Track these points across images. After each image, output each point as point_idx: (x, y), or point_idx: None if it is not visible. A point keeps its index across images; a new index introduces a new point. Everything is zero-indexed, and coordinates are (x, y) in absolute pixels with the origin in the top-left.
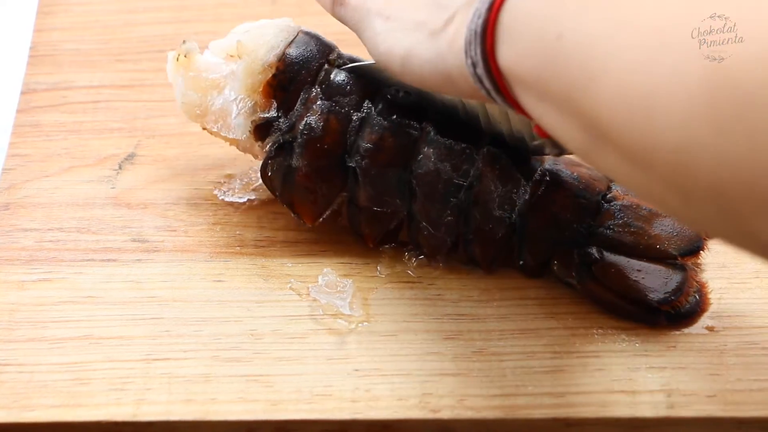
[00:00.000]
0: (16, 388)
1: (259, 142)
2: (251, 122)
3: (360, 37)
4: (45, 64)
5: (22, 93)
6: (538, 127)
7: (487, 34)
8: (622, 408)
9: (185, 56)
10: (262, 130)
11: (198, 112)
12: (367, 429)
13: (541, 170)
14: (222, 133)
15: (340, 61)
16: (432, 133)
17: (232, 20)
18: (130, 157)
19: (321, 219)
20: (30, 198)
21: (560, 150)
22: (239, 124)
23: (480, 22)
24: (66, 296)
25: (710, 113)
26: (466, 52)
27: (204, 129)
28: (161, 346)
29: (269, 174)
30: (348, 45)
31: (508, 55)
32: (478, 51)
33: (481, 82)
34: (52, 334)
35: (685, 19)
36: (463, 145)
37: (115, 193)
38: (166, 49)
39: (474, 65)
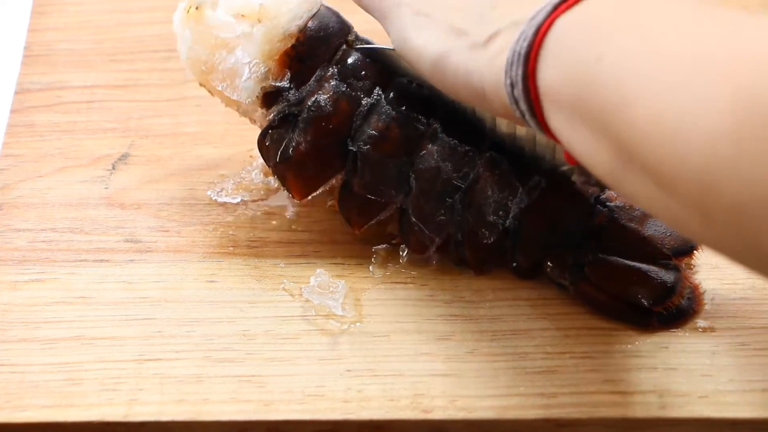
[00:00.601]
0: (8, 388)
1: (263, 110)
2: (261, 88)
3: (384, 24)
4: (39, 64)
5: (16, 93)
6: (568, 154)
7: (530, 56)
8: (615, 408)
9: (196, 8)
10: (269, 98)
11: (203, 68)
12: (359, 429)
13: (537, 177)
14: (226, 93)
15: (358, 43)
16: (439, 131)
17: None
18: (123, 158)
19: (310, 197)
20: (23, 198)
21: (587, 177)
22: (248, 87)
23: (525, 44)
24: (58, 297)
25: (735, 134)
26: (506, 72)
27: (202, 86)
28: (153, 347)
29: (267, 143)
30: None
31: (548, 77)
32: (519, 72)
33: (516, 103)
34: (44, 334)
35: (716, 43)
36: (466, 148)
37: (108, 193)
38: (161, 49)
39: (512, 86)
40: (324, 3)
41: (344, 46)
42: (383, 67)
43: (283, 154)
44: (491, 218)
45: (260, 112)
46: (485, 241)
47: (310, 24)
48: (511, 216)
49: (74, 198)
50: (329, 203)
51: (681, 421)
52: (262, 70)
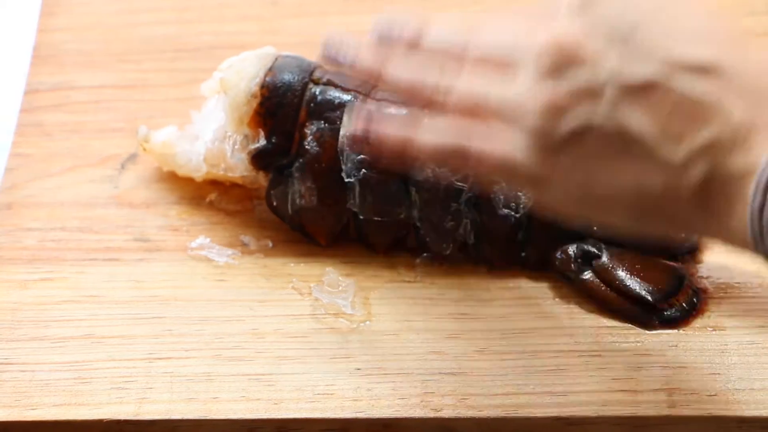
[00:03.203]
0: (18, 387)
1: (261, 173)
2: (247, 154)
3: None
4: (48, 65)
5: (25, 93)
6: None
7: None
8: (624, 407)
9: (146, 142)
10: (257, 160)
11: (203, 171)
12: (368, 428)
13: None
14: (229, 176)
15: (325, 78)
16: None
17: (234, 21)
18: (132, 157)
19: (333, 236)
20: (33, 197)
21: None
22: (238, 160)
23: None
24: (68, 295)
25: None
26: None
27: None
28: (163, 345)
29: (275, 203)
30: None
31: None
32: None
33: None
34: (54, 333)
35: None
36: None
37: (117, 192)
38: (168, 50)
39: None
40: (282, 53)
41: (310, 85)
42: (354, 93)
43: (293, 208)
44: (503, 211)
45: (261, 175)
46: (502, 234)
47: (267, 78)
48: (521, 207)
49: (83, 197)
50: (351, 235)
51: (690, 419)
52: (239, 138)
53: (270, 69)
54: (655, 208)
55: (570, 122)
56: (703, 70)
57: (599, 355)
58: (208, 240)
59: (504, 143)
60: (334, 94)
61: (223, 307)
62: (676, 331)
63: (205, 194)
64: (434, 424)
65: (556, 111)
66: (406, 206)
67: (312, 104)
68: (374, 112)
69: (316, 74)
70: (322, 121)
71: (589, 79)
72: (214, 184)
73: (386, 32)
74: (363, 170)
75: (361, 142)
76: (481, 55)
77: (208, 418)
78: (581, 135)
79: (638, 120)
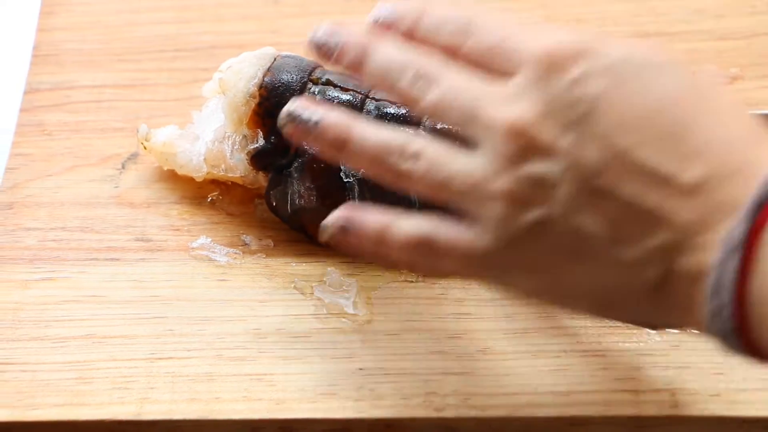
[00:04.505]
0: (19, 386)
1: (261, 173)
2: (246, 154)
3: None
4: (48, 64)
5: (25, 93)
6: None
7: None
8: (626, 407)
9: (146, 140)
10: (257, 161)
11: (204, 172)
12: (370, 428)
13: None
14: (229, 175)
15: (324, 78)
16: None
17: (234, 20)
18: (133, 157)
19: None
20: (33, 197)
21: None
22: (238, 160)
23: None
24: (69, 295)
25: None
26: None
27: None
28: (165, 345)
29: (274, 204)
30: None
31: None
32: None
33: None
34: (55, 333)
35: None
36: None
37: (118, 192)
38: (168, 49)
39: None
40: (281, 53)
41: (309, 85)
42: (354, 93)
43: (292, 208)
44: None
45: (261, 175)
46: None
47: (266, 79)
48: None
49: (84, 197)
50: None
51: (693, 419)
52: (238, 139)
53: (268, 69)
54: (617, 303)
55: (529, 215)
56: (649, 172)
57: (602, 355)
58: (209, 240)
59: (468, 233)
60: (333, 94)
61: (225, 306)
62: (678, 331)
63: (206, 194)
64: (437, 424)
65: (515, 201)
66: (405, 206)
67: None
68: (350, 215)
69: (315, 74)
70: None
71: (546, 172)
72: (215, 183)
73: (381, 18)
74: (361, 173)
75: (339, 238)
76: (441, 111)
77: (209, 418)
78: (538, 228)
79: (590, 220)
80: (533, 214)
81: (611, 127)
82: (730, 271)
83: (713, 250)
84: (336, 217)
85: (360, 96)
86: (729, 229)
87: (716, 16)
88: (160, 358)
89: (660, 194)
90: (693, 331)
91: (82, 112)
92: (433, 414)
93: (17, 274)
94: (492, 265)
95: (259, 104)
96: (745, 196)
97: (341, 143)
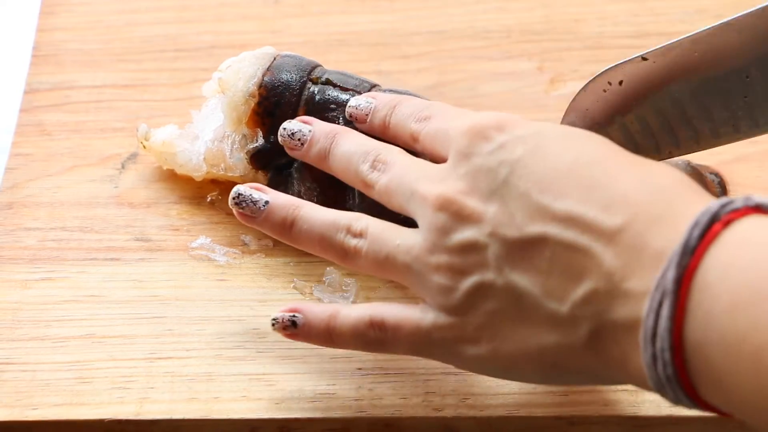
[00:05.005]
0: (19, 386)
1: (261, 172)
2: (246, 154)
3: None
4: (48, 64)
5: (25, 92)
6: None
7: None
8: (625, 406)
9: (146, 140)
10: (256, 160)
11: (203, 171)
12: (369, 428)
13: None
14: (229, 176)
15: (324, 78)
16: None
17: (234, 20)
18: (132, 157)
19: None
20: (33, 197)
21: None
22: (238, 160)
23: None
24: (69, 295)
25: None
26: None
27: (214, 180)
28: (164, 345)
29: None
30: (350, 45)
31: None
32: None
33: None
34: (55, 332)
35: None
36: None
37: (117, 192)
38: (168, 49)
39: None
40: (281, 53)
41: (309, 84)
42: (353, 94)
43: None
44: None
45: (261, 175)
46: None
47: (265, 78)
48: None
49: (84, 197)
50: None
51: (691, 419)
52: (238, 138)
53: (268, 69)
54: (559, 363)
55: (467, 282)
56: (567, 217)
57: None
58: (209, 240)
59: (413, 311)
60: (333, 93)
61: (224, 306)
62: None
63: (205, 194)
64: (436, 424)
65: (453, 270)
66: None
67: (310, 103)
68: (296, 307)
69: (315, 73)
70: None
71: (474, 239)
72: (215, 183)
73: (360, 106)
74: None
75: (288, 333)
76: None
77: (209, 417)
78: (478, 293)
79: (521, 276)
80: (470, 280)
81: (531, 186)
82: (664, 317)
83: (644, 298)
84: (282, 312)
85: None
86: (659, 275)
87: (716, 16)
88: (159, 358)
89: (583, 241)
90: (633, 387)
91: (81, 112)
92: (432, 413)
93: (17, 274)
94: (439, 341)
95: (258, 103)
96: (673, 241)
97: (288, 225)
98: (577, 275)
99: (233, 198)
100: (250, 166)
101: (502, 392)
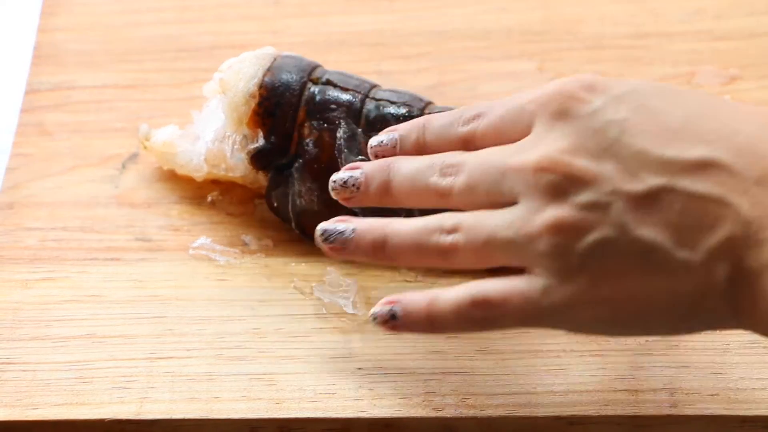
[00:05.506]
0: (19, 386)
1: (261, 173)
2: (246, 155)
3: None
4: (48, 64)
5: (26, 93)
6: None
7: None
8: (625, 406)
9: (147, 140)
10: (256, 160)
11: (204, 171)
12: (369, 428)
13: None
14: (230, 176)
15: (324, 78)
16: None
17: (235, 20)
18: (133, 157)
19: None
20: (33, 197)
21: None
22: (239, 160)
23: None
24: (69, 295)
25: None
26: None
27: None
28: (164, 345)
29: (275, 204)
30: (350, 46)
31: None
32: None
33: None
34: (55, 332)
35: None
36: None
37: (118, 192)
38: (169, 49)
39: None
40: (282, 53)
41: (309, 85)
42: (353, 93)
43: (293, 208)
44: None
45: (261, 175)
46: None
47: (266, 78)
48: None
49: (84, 197)
50: None
51: (691, 418)
52: (238, 138)
53: (268, 69)
54: (691, 312)
55: (584, 240)
56: (700, 167)
57: (601, 355)
58: (209, 240)
59: (520, 284)
60: (334, 93)
61: (225, 306)
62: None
63: (206, 194)
64: (436, 424)
65: (567, 230)
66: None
67: (311, 104)
68: (395, 299)
69: (315, 74)
70: (322, 121)
71: (593, 198)
72: (215, 183)
73: (385, 141)
74: None
75: (388, 326)
76: (468, 187)
77: (209, 417)
78: (598, 251)
79: (649, 230)
80: (590, 239)
81: (649, 142)
82: None
83: None
84: (380, 306)
85: (360, 95)
86: None
87: (716, 16)
88: (159, 358)
89: (717, 191)
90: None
91: (82, 112)
92: (432, 413)
93: (17, 273)
94: (550, 308)
95: (259, 104)
96: None
97: (380, 244)
98: (711, 224)
99: (320, 236)
100: (251, 167)
101: (502, 392)
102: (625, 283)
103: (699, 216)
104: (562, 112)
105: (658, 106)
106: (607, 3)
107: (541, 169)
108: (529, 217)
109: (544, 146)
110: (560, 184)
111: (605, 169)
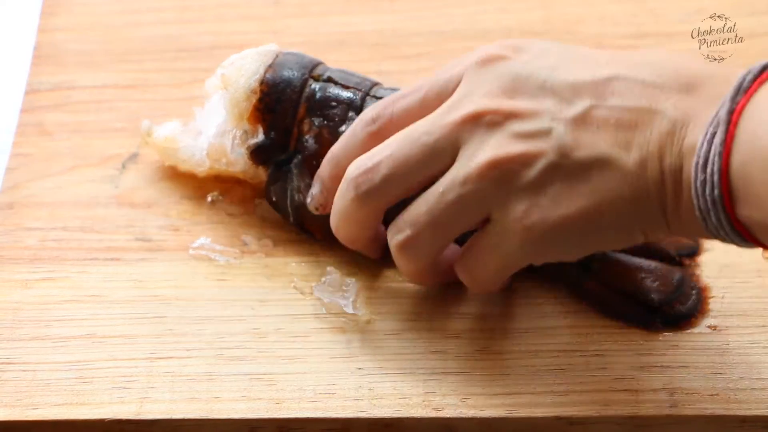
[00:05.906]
0: (19, 386)
1: (261, 168)
2: (246, 150)
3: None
4: (48, 64)
5: (26, 93)
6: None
7: (724, 200)
8: (625, 406)
9: (149, 136)
10: (256, 155)
11: (206, 166)
12: (369, 427)
13: None
14: (231, 171)
15: (325, 75)
16: None
17: (235, 20)
18: (133, 157)
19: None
20: (33, 197)
21: None
22: (239, 155)
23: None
24: (69, 295)
25: None
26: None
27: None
28: (164, 345)
29: (274, 199)
30: (350, 46)
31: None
32: (720, 216)
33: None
34: (55, 332)
35: None
36: None
37: (118, 192)
38: (169, 49)
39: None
40: (284, 50)
41: (310, 82)
42: (354, 91)
43: (292, 203)
44: None
45: (261, 170)
46: None
47: (267, 75)
48: None
49: (84, 197)
50: None
51: (691, 418)
52: (239, 133)
53: (270, 66)
54: (633, 219)
55: (533, 168)
56: (644, 84)
57: (601, 355)
58: (209, 240)
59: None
60: (334, 91)
61: (225, 306)
62: (677, 331)
63: (206, 194)
64: (436, 424)
65: (510, 163)
66: (405, 202)
67: (311, 101)
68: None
69: (317, 71)
70: (321, 118)
71: (534, 127)
72: (216, 183)
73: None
74: None
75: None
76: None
77: (209, 417)
78: (548, 177)
79: (590, 142)
80: (537, 167)
81: (579, 74)
82: (716, 144)
83: (699, 135)
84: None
85: (360, 93)
86: (713, 112)
87: (716, 16)
88: (159, 358)
89: (655, 96)
90: (686, 235)
91: (82, 112)
92: (432, 413)
93: (17, 273)
94: (519, 243)
95: (259, 100)
96: (726, 90)
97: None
98: (643, 125)
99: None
100: (251, 162)
101: (502, 392)
102: (577, 200)
103: (630, 123)
104: (490, 60)
105: (582, 53)
106: (607, 3)
107: (475, 118)
108: (475, 166)
109: (481, 95)
110: (502, 119)
111: (544, 101)
